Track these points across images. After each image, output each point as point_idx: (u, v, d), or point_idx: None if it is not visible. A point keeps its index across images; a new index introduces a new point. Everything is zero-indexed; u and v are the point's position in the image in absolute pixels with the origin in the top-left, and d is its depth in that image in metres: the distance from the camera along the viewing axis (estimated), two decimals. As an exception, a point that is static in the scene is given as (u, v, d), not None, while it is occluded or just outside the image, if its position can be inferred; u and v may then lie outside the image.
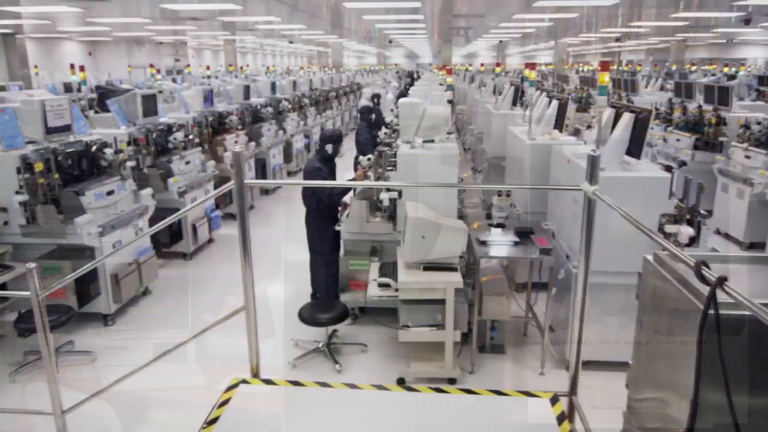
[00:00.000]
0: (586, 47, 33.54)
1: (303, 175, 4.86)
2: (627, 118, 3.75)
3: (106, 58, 20.80)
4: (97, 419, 3.55)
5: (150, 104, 6.27)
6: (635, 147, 3.65)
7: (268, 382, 2.80)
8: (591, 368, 4.06)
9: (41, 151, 4.53)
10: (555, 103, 5.26)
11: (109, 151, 5.09)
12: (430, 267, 3.91)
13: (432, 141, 4.72)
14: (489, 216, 4.39)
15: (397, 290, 3.85)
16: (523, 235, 4.23)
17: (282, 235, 7.30)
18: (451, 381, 3.96)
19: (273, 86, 10.87)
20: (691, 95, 9.20)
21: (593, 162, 2.43)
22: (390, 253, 4.60)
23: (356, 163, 5.65)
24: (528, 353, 4.41)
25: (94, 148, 5.08)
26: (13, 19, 13.10)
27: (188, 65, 23.44)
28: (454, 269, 3.90)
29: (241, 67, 14.89)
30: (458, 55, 38.72)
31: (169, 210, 6.22)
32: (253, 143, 8.60)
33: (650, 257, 2.15)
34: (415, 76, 24.16)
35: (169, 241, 6.14)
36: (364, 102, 12.43)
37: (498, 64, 18.02)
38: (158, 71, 12.92)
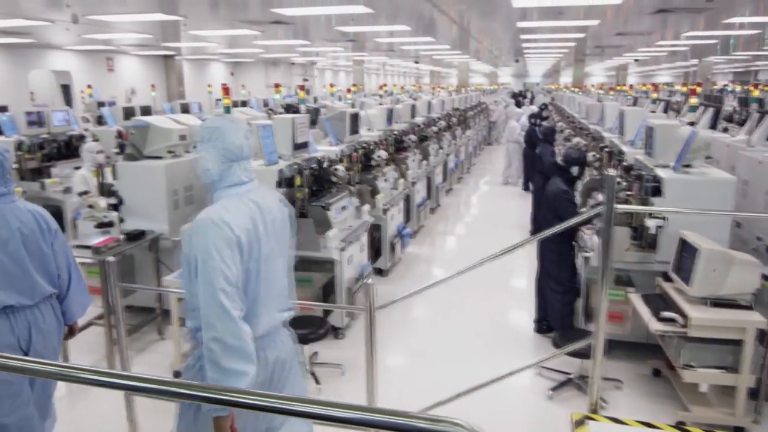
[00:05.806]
0: (716, 66, 31.24)
1: (546, 196, 4.69)
2: None
3: (245, 77, 22.17)
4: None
5: (355, 123, 6.45)
6: None
7: (615, 420, 2.64)
8: None
9: (294, 166, 4.72)
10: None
11: (340, 167, 5.23)
12: (719, 303, 3.61)
13: (689, 165, 4.42)
14: (772, 249, 4.00)
15: (684, 326, 3.57)
16: (820, 272, 3.80)
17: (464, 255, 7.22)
18: (738, 429, 3.60)
19: (429, 106, 10.94)
20: None
21: None
22: (641, 283, 4.32)
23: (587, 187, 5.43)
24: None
25: (325, 164, 5.25)
26: (178, 42, 14.22)
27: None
28: (748, 307, 3.57)
29: (383, 86, 15.16)
30: (567, 75, 37.48)
31: (373, 226, 6.39)
32: (425, 162, 8.63)
33: None
34: (529, 96, 23.00)
35: (373, 258, 6.21)
36: (514, 123, 12.27)
37: (617, 86, 17.05)
38: (344, 88, 13.43)
